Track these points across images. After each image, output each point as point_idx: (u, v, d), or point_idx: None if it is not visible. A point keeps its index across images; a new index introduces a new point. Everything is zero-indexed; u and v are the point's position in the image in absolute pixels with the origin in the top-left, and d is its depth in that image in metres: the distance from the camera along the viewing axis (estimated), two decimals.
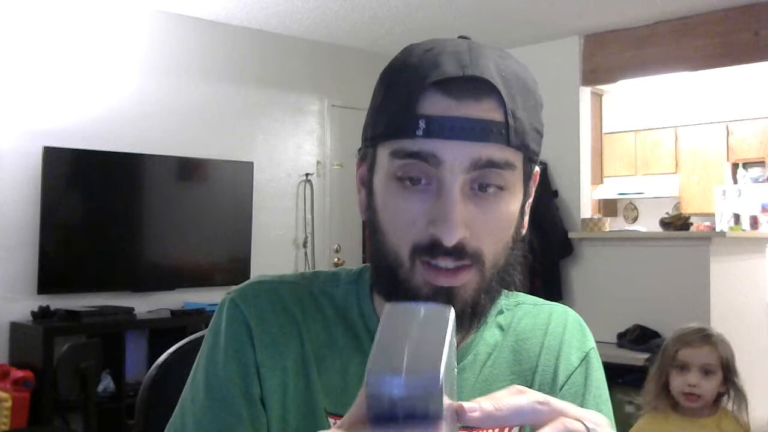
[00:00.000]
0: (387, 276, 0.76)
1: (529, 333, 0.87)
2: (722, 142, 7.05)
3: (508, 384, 0.83)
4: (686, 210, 6.87)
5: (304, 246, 5.25)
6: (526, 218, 0.81)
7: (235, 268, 4.79)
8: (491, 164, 0.72)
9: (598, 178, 5.69)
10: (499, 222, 0.75)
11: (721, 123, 7.02)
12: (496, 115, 0.72)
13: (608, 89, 6.14)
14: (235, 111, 4.97)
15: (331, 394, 0.79)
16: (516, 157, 0.74)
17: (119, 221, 4.34)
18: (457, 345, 0.83)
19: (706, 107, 7.07)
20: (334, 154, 5.47)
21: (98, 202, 4.28)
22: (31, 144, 4.03)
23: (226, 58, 4.94)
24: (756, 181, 6.81)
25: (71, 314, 3.93)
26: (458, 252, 0.71)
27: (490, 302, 0.77)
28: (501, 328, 0.86)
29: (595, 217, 5.16)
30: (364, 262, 4.74)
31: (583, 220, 5.05)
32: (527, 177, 0.78)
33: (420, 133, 0.71)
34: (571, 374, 0.86)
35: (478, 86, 0.71)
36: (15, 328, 3.97)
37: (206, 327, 0.99)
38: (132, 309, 4.26)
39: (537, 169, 0.80)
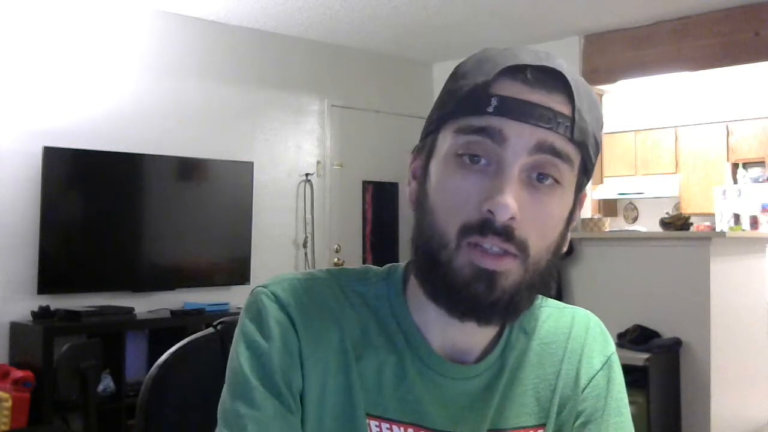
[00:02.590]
0: (429, 259, 0.75)
1: (553, 337, 0.87)
2: (722, 142, 7.05)
3: (532, 387, 0.84)
4: (686, 210, 6.87)
5: (304, 246, 5.25)
6: (569, 237, 0.81)
7: (235, 268, 4.79)
8: (552, 151, 0.73)
9: (598, 178, 5.70)
10: (548, 218, 0.75)
11: (721, 123, 7.02)
12: (564, 109, 0.74)
13: (608, 89, 6.13)
14: (235, 111, 4.97)
15: (368, 393, 0.78)
16: (575, 156, 0.76)
17: (119, 221, 4.34)
18: (487, 347, 0.83)
19: (706, 107, 7.07)
20: (334, 154, 5.47)
21: (98, 202, 4.28)
22: (31, 144, 4.03)
23: (226, 58, 4.95)
24: (756, 181, 6.81)
25: (71, 314, 3.93)
26: (507, 233, 0.71)
27: (528, 298, 0.76)
28: (525, 331, 0.86)
29: (595, 217, 5.16)
30: (364, 262, 4.77)
31: (583, 220, 5.05)
32: (578, 188, 0.79)
33: (491, 109, 0.73)
34: (593, 377, 0.87)
35: (551, 78, 0.75)
36: (15, 328, 3.97)
37: (206, 326, 0.99)
38: (132, 309, 4.26)
39: (586, 191, 0.82)
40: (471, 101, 0.74)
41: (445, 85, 0.80)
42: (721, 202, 6.79)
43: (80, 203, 4.27)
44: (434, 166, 0.77)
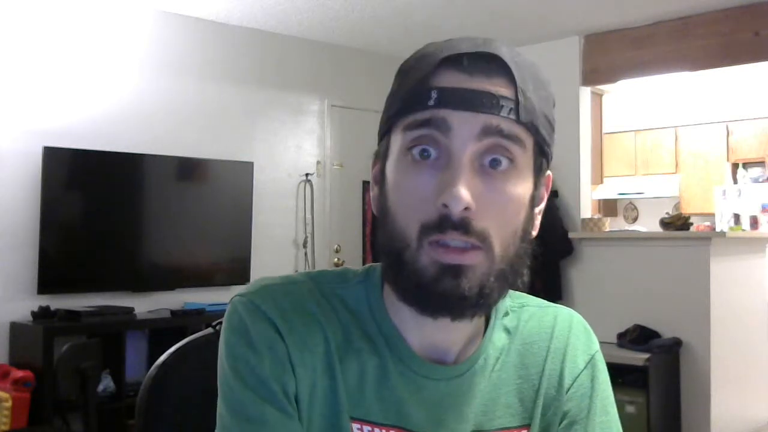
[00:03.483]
0: (394, 260, 0.75)
1: (536, 336, 0.86)
2: (722, 142, 7.06)
3: (515, 388, 0.83)
4: (686, 210, 6.87)
5: (304, 246, 5.25)
6: (538, 219, 0.80)
7: (235, 268, 4.79)
8: (500, 133, 0.73)
9: (598, 178, 5.69)
10: (506, 203, 0.74)
11: (721, 123, 7.03)
12: (507, 92, 0.74)
13: (608, 89, 6.14)
14: (235, 111, 4.97)
15: (351, 396, 0.78)
16: (526, 137, 0.75)
17: (119, 221, 4.34)
18: (469, 347, 0.82)
19: (706, 107, 7.08)
20: (334, 154, 5.47)
21: (98, 202, 4.28)
22: (31, 144, 4.03)
23: (226, 58, 4.95)
24: (756, 181, 6.81)
25: (71, 314, 3.93)
26: (465, 227, 0.71)
27: (499, 288, 0.75)
28: (507, 331, 0.86)
29: (595, 217, 5.16)
30: (364, 262, 4.77)
31: (583, 220, 5.05)
32: (538, 169, 0.78)
33: (432, 102, 0.73)
34: (577, 377, 0.86)
35: (490, 64, 0.74)
36: (15, 328, 3.97)
37: (206, 326, 0.97)
38: (132, 309, 4.26)
39: (549, 172, 0.81)
40: (413, 97, 0.74)
41: (391, 86, 0.80)
42: (721, 202, 6.80)
43: (80, 203, 4.26)
44: (389, 168, 0.77)
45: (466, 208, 0.70)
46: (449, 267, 0.71)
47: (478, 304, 0.74)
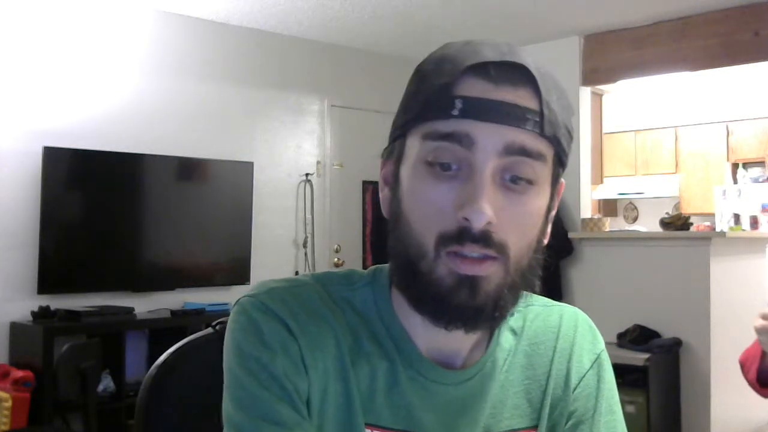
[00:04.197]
0: (408, 269, 0.74)
1: (542, 336, 0.86)
2: (722, 142, 7.06)
3: (522, 389, 0.83)
4: (686, 210, 6.87)
5: (304, 246, 5.25)
6: (549, 227, 0.79)
7: (235, 268, 4.79)
8: (524, 152, 0.71)
9: (598, 178, 5.69)
10: (525, 217, 0.73)
11: (721, 123, 7.03)
12: (532, 104, 0.72)
13: (608, 89, 6.14)
14: (235, 111, 4.97)
15: (363, 402, 0.77)
16: (548, 150, 0.74)
17: (119, 221, 4.34)
18: (477, 349, 0.82)
19: (706, 107, 7.08)
20: (334, 154, 5.47)
21: (98, 202, 4.28)
22: (31, 144, 4.03)
23: (226, 58, 4.94)
24: (756, 181, 6.81)
25: (71, 314, 3.93)
26: (485, 239, 0.70)
27: (513, 300, 0.75)
28: (514, 331, 0.85)
29: (595, 217, 5.16)
30: (364, 263, 4.74)
31: (583, 220, 5.05)
32: (555, 180, 0.77)
33: (456, 112, 0.71)
34: (583, 376, 0.86)
35: (516, 73, 0.72)
36: (15, 328, 3.97)
37: (206, 326, 0.97)
38: (132, 309, 4.26)
39: (563, 180, 0.80)
40: (435, 105, 0.72)
41: (408, 86, 0.77)
42: (721, 202, 6.79)
43: (80, 203, 4.26)
44: (405, 173, 0.75)
45: (488, 222, 0.70)
46: (466, 278, 0.71)
47: (493, 317, 0.74)
